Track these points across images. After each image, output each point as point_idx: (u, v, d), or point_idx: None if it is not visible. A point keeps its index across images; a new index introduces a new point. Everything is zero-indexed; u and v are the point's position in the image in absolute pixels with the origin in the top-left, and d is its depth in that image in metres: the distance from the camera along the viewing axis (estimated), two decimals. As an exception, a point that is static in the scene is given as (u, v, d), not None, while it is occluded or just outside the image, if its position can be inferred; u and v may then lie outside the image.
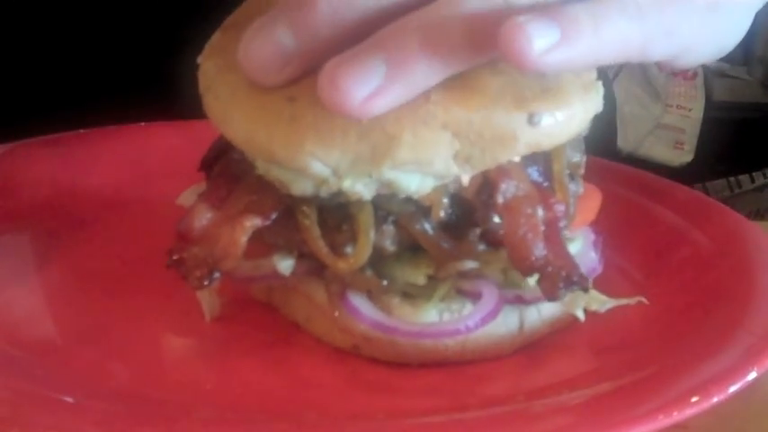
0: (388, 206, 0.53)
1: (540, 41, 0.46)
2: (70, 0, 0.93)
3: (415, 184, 0.51)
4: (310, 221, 0.53)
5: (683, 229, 0.70)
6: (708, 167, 1.22)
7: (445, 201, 0.53)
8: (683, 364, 0.53)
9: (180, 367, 0.56)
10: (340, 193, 0.51)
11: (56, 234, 0.70)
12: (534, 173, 0.55)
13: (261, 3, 0.55)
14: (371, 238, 0.53)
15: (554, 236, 0.54)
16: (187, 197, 0.60)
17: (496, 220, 0.54)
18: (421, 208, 0.53)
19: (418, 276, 0.55)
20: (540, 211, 0.54)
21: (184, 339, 0.59)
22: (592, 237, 0.63)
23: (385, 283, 0.55)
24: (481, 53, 0.48)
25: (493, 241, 0.55)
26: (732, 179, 1.21)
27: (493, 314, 0.56)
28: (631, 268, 0.68)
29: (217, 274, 0.53)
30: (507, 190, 0.53)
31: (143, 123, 0.81)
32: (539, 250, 0.53)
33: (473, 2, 0.47)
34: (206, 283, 0.53)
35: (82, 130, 0.80)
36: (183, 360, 0.57)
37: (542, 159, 0.56)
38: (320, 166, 0.50)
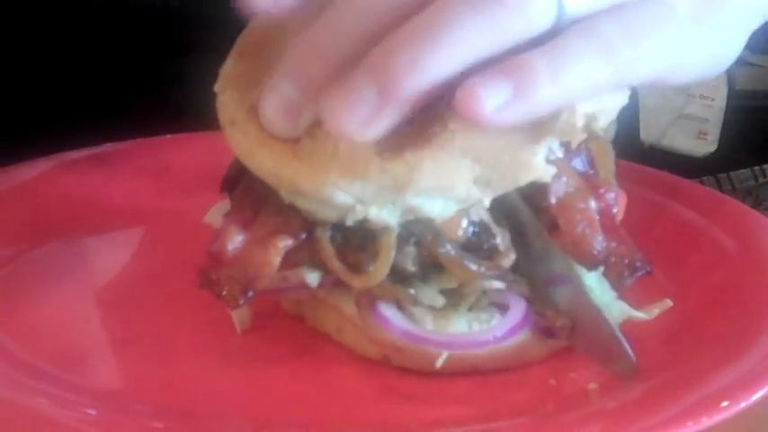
0: (411, 228, 0.54)
1: (492, 101, 0.47)
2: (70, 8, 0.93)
3: (438, 208, 0.52)
4: (325, 242, 0.54)
5: (704, 229, 0.70)
6: (732, 157, 1.21)
7: (465, 222, 0.54)
8: (710, 368, 0.54)
9: (211, 379, 0.57)
10: (366, 220, 0.52)
11: (82, 249, 0.71)
12: (579, 163, 0.55)
13: (269, 26, 0.57)
14: (391, 258, 0.54)
15: (610, 225, 0.55)
16: (214, 215, 0.61)
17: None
18: (443, 229, 0.54)
19: (436, 298, 0.56)
20: (593, 203, 0.54)
21: (215, 351, 0.59)
22: None
23: (412, 291, 0.56)
24: None
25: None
26: (756, 168, 1.20)
27: (521, 326, 0.56)
28: (654, 269, 0.67)
29: (251, 293, 0.54)
30: (558, 188, 0.54)
31: (168, 136, 0.82)
32: (599, 243, 0.54)
33: (462, 8, 0.48)
34: (241, 302, 0.54)
35: (109, 145, 0.81)
36: (214, 372, 0.58)
37: (584, 148, 0.56)
38: (345, 196, 0.51)
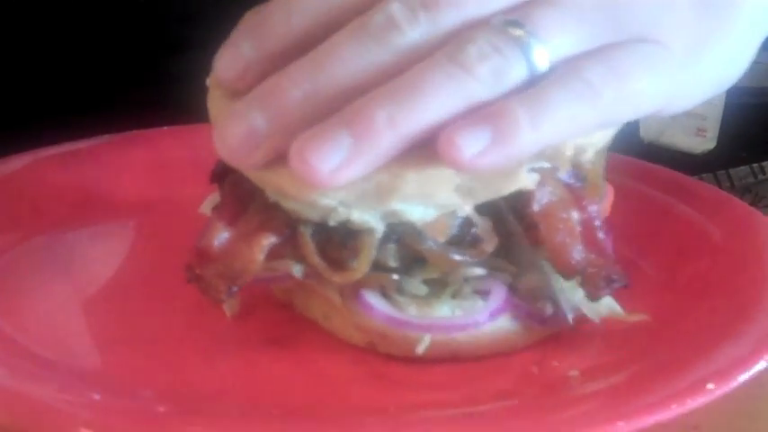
0: (393, 227, 0.55)
1: (471, 148, 0.48)
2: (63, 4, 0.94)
3: (418, 213, 0.53)
4: (307, 239, 0.55)
5: (695, 222, 0.70)
6: (731, 154, 1.21)
7: (452, 225, 0.55)
8: (694, 354, 0.54)
9: (199, 363, 0.58)
10: (349, 221, 0.53)
11: (77, 240, 0.72)
12: (565, 175, 0.56)
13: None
14: (372, 255, 0.55)
15: (590, 237, 0.56)
16: (208, 206, 0.62)
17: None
18: (425, 228, 0.55)
19: (420, 288, 0.57)
20: (575, 214, 0.55)
21: (204, 336, 0.60)
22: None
23: (396, 277, 0.56)
24: None
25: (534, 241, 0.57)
26: (756, 165, 1.20)
27: (501, 309, 0.57)
28: (643, 262, 0.68)
29: (235, 289, 0.55)
30: (542, 197, 0.55)
31: (168, 127, 0.83)
32: (578, 253, 0.55)
33: (437, 75, 0.49)
34: (225, 297, 0.56)
35: (104, 137, 0.82)
36: (203, 356, 0.59)
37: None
38: (328, 200, 0.52)
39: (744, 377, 0.50)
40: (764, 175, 1.19)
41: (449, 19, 0.51)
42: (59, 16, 0.95)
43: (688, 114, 1.26)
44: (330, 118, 0.49)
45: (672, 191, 0.74)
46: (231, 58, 0.54)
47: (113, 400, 0.51)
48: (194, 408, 0.52)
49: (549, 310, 0.57)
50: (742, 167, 1.20)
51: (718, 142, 1.22)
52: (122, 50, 0.96)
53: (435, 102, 0.49)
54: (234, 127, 0.51)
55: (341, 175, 0.49)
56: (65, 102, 0.91)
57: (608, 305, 0.59)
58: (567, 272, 0.56)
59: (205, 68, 0.57)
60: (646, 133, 1.23)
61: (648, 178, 0.76)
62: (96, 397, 0.51)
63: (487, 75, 0.50)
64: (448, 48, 0.50)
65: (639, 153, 0.80)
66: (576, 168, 0.58)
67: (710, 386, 0.49)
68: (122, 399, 0.52)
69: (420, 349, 0.56)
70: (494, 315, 0.57)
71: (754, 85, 1.20)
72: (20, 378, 0.52)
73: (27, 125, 0.79)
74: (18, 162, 0.77)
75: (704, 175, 1.16)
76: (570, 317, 0.58)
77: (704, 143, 1.25)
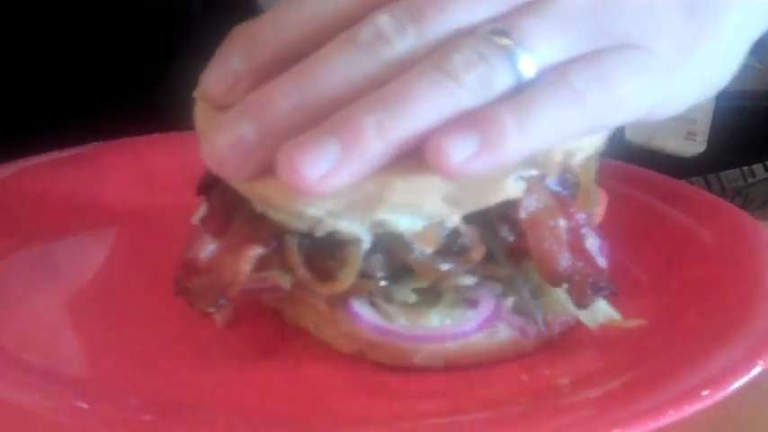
0: (380, 237, 0.54)
1: (459, 154, 0.48)
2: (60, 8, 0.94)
3: (405, 223, 0.53)
4: (293, 250, 0.55)
5: (688, 227, 0.70)
6: (721, 157, 1.21)
7: (440, 235, 0.54)
8: (690, 360, 0.54)
9: (190, 372, 0.57)
10: (336, 231, 0.53)
11: (67, 247, 0.72)
12: (552, 183, 0.56)
13: None
14: (358, 266, 0.54)
15: (577, 244, 0.56)
16: (199, 217, 0.61)
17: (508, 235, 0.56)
18: (412, 238, 0.54)
19: (408, 294, 0.57)
20: (562, 222, 0.55)
21: (195, 344, 0.60)
22: (598, 242, 0.64)
23: (383, 283, 0.56)
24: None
25: (517, 254, 0.57)
26: (746, 169, 1.20)
27: (490, 320, 0.57)
28: (636, 268, 0.68)
29: (222, 301, 0.55)
30: (529, 204, 0.54)
31: (156, 135, 0.83)
32: (565, 260, 0.55)
33: (423, 83, 0.49)
34: (212, 310, 0.55)
35: (92, 145, 0.81)
36: (193, 365, 0.58)
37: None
38: (315, 210, 0.52)
39: (739, 383, 0.50)
40: (755, 178, 1.19)
41: (436, 30, 0.51)
42: (51, 23, 0.94)
43: (678, 118, 1.25)
44: (319, 125, 0.49)
45: (663, 195, 0.75)
46: (221, 73, 0.54)
47: (100, 409, 0.51)
48: (181, 417, 0.52)
49: (531, 329, 0.58)
50: (732, 171, 1.19)
51: (708, 146, 1.22)
52: (115, 55, 0.96)
53: (422, 109, 0.49)
54: (222, 137, 0.51)
55: (328, 183, 0.49)
56: (57, 106, 0.91)
57: (605, 312, 0.59)
58: (554, 279, 0.56)
59: (198, 74, 0.57)
60: (635, 137, 1.23)
61: (639, 183, 0.76)
62: (83, 405, 0.51)
63: (474, 83, 0.50)
64: (433, 57, 0.50)
65: (629, 157, 0.80)
66: (567, 173, 0.58)
67: (705, 393, 0.49)
68: (108, 407, 0.51)
69: (416, 359, 0.56)
70: (482, 326, 0.56)
71: (743, 88, 1.20)
72: (7, 385, 0.51)
73: (19, 131, 0.79)
74: (4, 171, 0.77)
75: (694, 179, 1.16)
76: (557, 330, 0.58)
77: (694, 147, 1.24)
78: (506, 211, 0.55)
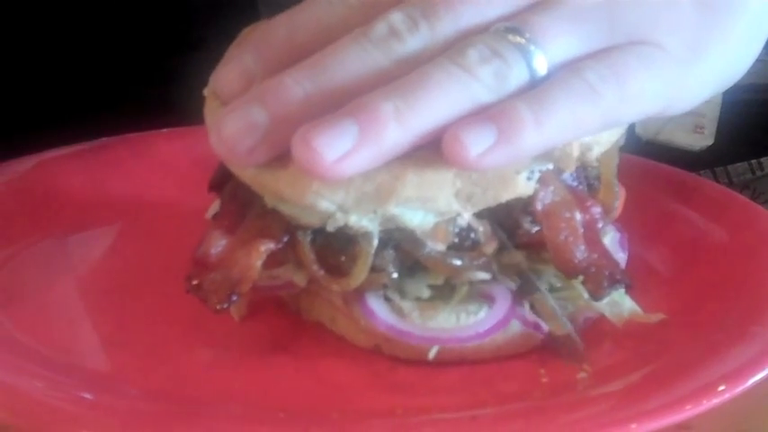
0: (391, 233, 0.54)
1: (477, 146, 0.48)
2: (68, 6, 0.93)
3: (417, 219, 0.53)
4: (306, 246, 0.55)
5: (706, 223, 0.70)
6: (729, 151, 1.21)
7: (452, 232, 0.54)
8: (707, 355, 0.54)
9: (206, 366, 0.58)
10: (346, 226, 0.53)
11: (80, 241, 0.72)
12: (569, 178, 0.57)
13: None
14: (369, 262, 0.54)
15: (594, 237, 0.56)
16: (212, 213, 0.62)
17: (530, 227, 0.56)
18: (424, 235, 0.54)
19: (422, 290, 0.57)
20: (578, 215, 0.56)
21: (211, 338, 0.60)
22: (617, 236, 0.64)
23: (396, 275, 0.56)
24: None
25: (534, 245, 0.57)
26: (754, 162, 1.20)
27: (505, 322, 0.57)
28: (656, 263, 0.68)
29: (234, 297, 0.55)
30: (545, 197, 0.55)
31: (165, 130, 0.83)
32: (580, 252, 0.55)
33: (441, 75, 0.49)
34: (225, 306, 0.55)
35: (104, 139, 0.81)
36: (210, 358, 0.59)
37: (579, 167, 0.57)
38: (327, 203, 0.51)
39: (756, 378, 0.50)
40: (762, 171, 1.19)
41: (449, 29, 0.52)
42: (62, 20, 0.94)
43: (686, 111, 1.25)
44: (339, 110, 0.49)
45: (679, 189, 0.75)
46: (234, 71, 0.54)
47: (114, 401, 0.51)
48: (198, 410, 0.52)
49: (544, 329, 0.58)
50: (740, 164, 1.19)
51: (716, 139, 1.22)
52: (127, 51, 0.96)
53: (439, 100, 0.49)
54: (233, 122, 0.50)
55: (345, 166, 0.48)
56: (69, 102, 0.91)
57: (629, 308, 0.59)
58: (570, 271, 0.56)
59: (211, 69, 0.57)
60: (644, 131, 1.23)
61: (655, 177, 0.76)
62: (96, 397, 0.51)
63: (489, 77, 0.50)
64: (449, 52, 0.51)
65: (637, 150, 0.80)
66: (585, 168, 0.57)
67: (722, 387, 0.49)
68: (122, 399, 0.52)
69: (430, 356, 0.56)
70: (498, 327, 0.57)
71: (752, 81, 1.19)
72: (19, 375, 0.52)
73: (32, 127, 0.79)
74: (21, 166, 0.77)
75: (702, 172, 1.16)
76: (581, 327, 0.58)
77: (702, 140, 1.24)
78: (524, 204, 0.55)
